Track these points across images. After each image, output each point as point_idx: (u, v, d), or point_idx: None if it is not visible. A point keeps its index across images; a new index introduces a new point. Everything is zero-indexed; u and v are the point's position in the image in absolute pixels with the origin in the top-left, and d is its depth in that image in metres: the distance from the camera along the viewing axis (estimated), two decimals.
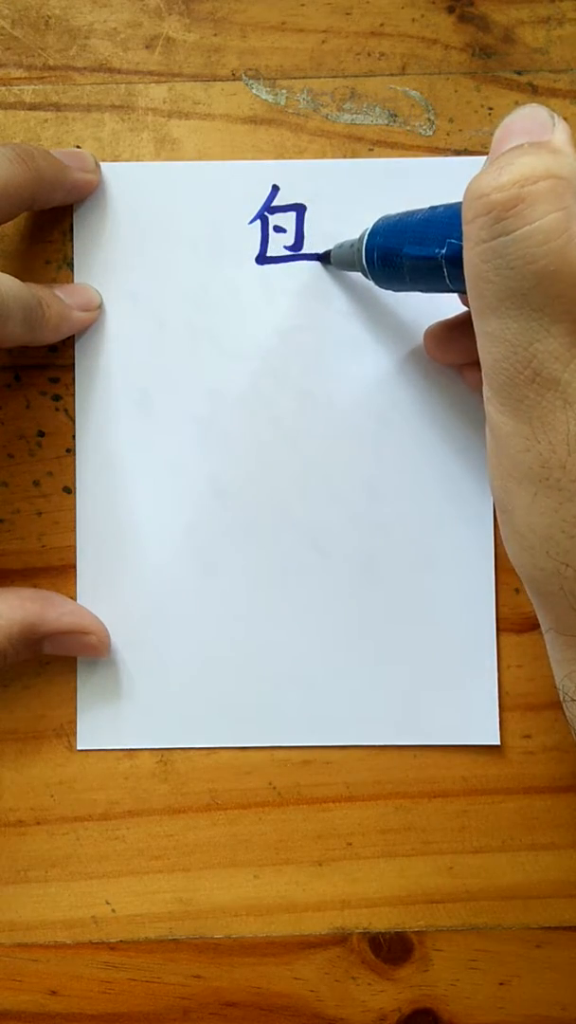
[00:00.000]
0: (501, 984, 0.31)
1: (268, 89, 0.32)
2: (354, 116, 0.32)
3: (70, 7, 0.32)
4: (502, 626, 0.32)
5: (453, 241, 0.24)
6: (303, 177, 0.32)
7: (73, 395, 0.32)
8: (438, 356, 0.31)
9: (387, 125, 0.32)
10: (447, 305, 0.31)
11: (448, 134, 0.32)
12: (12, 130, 0.32)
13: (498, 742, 0.31)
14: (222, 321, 0.32)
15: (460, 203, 0.23)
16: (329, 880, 0.31)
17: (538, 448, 0.23)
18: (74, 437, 0.32)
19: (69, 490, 0.32)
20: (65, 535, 0.32)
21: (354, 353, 0.32)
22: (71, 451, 0.32)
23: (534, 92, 0.32)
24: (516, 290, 0.22)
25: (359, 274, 0.30)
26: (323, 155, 0.32)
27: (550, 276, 0.21)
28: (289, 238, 0.32)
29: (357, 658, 0.31)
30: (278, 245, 0.32)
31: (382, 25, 0.32)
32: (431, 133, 0.32)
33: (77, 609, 0.31)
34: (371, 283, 0.29)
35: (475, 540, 0.31)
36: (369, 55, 0.32)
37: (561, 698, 0.26)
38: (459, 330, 0.30)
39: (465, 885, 0.31)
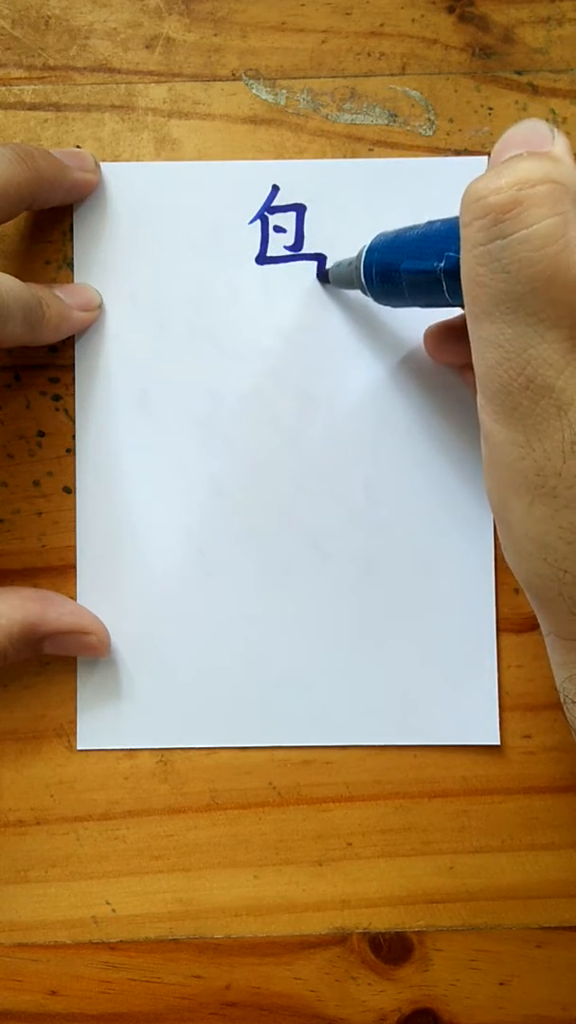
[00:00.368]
0: (501, 984, 0.31)
1: (268, 89, 0.32)
2: (354, 116, 0.32)
3: (70, 7, 0.32)
4: (502, 626, 0.32)
5: (451, 254, 0.24)
6: (303, 177, 0.32)
7: (73, 395, 0.32)
8: (438, 356, 0.31)
9: (387, 125, 0.32)
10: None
11: (448, 134, 0.32)
12: (12, 130, 0.32)
13: (498, 742, 0.31)
14: (222, 321, 0.32)
15: (457, 217, 0.23)
16: (329, 880, 0.31)
17: (533, 456, 0.23)
18: (74, 437, 0.32)
19: (69, 490, 0.32)
20: (65, 535, 0.32)
21: (354, 353, 0.32)
22: (71, 451, 0.32)
23: (534, 92, 0.32)
24: (511, 294, 0.22)
25: (358, 292, 0.30)
26: (323, 155, 0.32)
27: (546, 281, 0.21)
28: (289, 238, 0.32)
29: (357, 658, 0.31)
30: (278, 245, 0.32)
31: (382, 25, 0.32)
32: (431, 133, 0.32)
33: (77, 609, 0.31)
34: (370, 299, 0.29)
35: (475, 540, 0.31)
36: (369, 55, 0.32)
37: (562, 700, 0.26)
38: (459, 331, 0.30)
39: (465, 885, 0.31)
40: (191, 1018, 0.31)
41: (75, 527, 0.32)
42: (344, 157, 0.32)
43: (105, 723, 0.32)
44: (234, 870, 0.31)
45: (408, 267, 0.26)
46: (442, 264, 0.25)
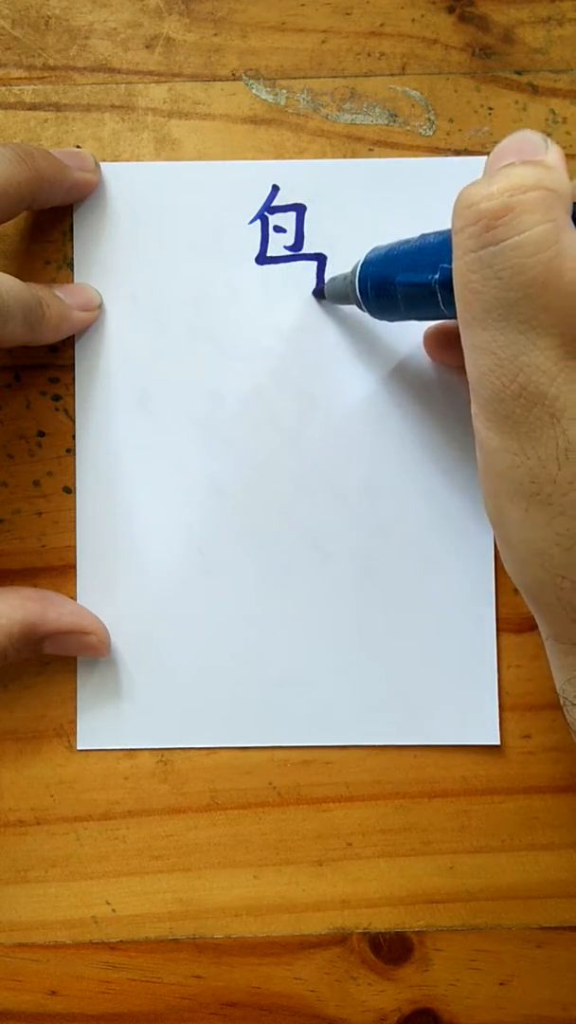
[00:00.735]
0: (501, 984, 0.31)
1: (268, 89, 0.32)
2: (354, 116, 0.32)
3: (70, 7, 0.32)
4: (502, 626, 0.32)
5: (445, 266, 0.24)
6: (303, 177, 0.32)
7: (73, 395, 0.32)
8: (437, 357, 0.31)
9: (387, 125, 0.32)
10: None
11: (448, 134, 0.32)
12: (12, 130, 0.32)
13: (498, 742, 0.31)
14: (222, 321, 0.32)
15: (450, 229, 0.23)
16: (329, 880, 0.31)
17: (527, 463, 0.23)
18: (74, 437, 0.32)
19: (69, 490, 0.32)
20: (65, 535, 0.32)
21: (355, 353, 0.32)
22: (71, 451, 0.32)
23: (534, 92, 0.32)
24: (504, 301, 0.22)
25: (354, 307, 0.30)
26: (323, 155, 0.32)
27: (538, 288, 0.21)
28: (289, 238, 0.32)
29: (357, 658, 0.31)
30: (278, 245, 0.32)
31: (382, 25, 0.32)
32: (431, 133, 0.32)
33: (77, 609, 0.31)
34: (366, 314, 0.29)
35: (475, 540, 0.32)
36: (369, 55, 0.32)
37: (561, 703, 0.26)
38: (458, 332, 0.30)
39: (465, 885, 0.31)
40: (191, 1018, 0.31)
41: (75, 527, 0.32)
42: (344, 157, 0.32)
43: (105, 723, 0.32)
44: (234, 870, 0.31)
45: (403, 280, 0.26)
46: (436, 276, 0.25)
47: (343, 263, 0.32)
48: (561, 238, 0.21)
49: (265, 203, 0.32)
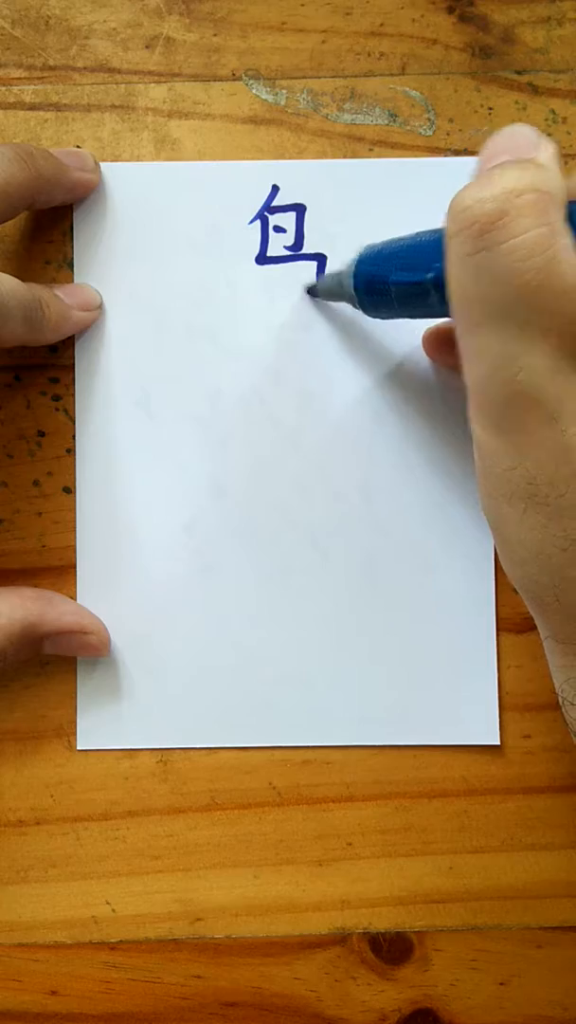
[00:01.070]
0: (501, 984, 0.31)
1: (268, 89, 0.32)
2: (354, 116, 0.32)
3: (70, 7, 0.32)
4: (502, 626, 0.32)
5: (439, 265, 0.24)
6: (303, 177, 0.32)
7: (73, 395, 0.32)
8: (436, 357, 0.31)
9: (387, 125, 0.32)
10: None
11: (448, 134, 0.32)
12: (12, 130, 0.32)
13: (498, 742, 0.31)
14: (222, 321, 0.32)
15: (444, 228, 0.23)
16: (329, 880, 0.31)
17: (525, 465, 0.23)
18: (74, 437, 0.32)
19: (69, 490, 0.32)
20: (65, 535, 0.32)
21: (354, 353, 0.32)
22: (71, 451, 0.32)
23: (534, 92, 0.32)
24: (499, 305, 0.22)
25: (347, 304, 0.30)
26: (323, 155, 0.32)
27: (534, 291, 0.21)
28: (289, 238, 0.32)
29: (357, 658, 0.31)
30: (278, 245, 0.32)
31: (382, 25, 0.32)
32: (431, 133, 0.32)
33: (77, 609, 0.31)
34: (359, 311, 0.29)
35: (475, 540, 0.32)
36: (369, 55, 0.32)
37: (560, 703, 0.26)
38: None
39: (465, 885, 0.31)
40: (191, 1018, 0.31)
41: (75, 527, 0.32)
42: (344, 157, 0.32)
43: (105, 723, 0.32)
44: (234, 870, 0.32)
45: (397, 279, 0.26)
46: (431, 275, 0.25)
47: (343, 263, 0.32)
48: (555, 241, 0.21)
49: (265, 203, 0.32)
